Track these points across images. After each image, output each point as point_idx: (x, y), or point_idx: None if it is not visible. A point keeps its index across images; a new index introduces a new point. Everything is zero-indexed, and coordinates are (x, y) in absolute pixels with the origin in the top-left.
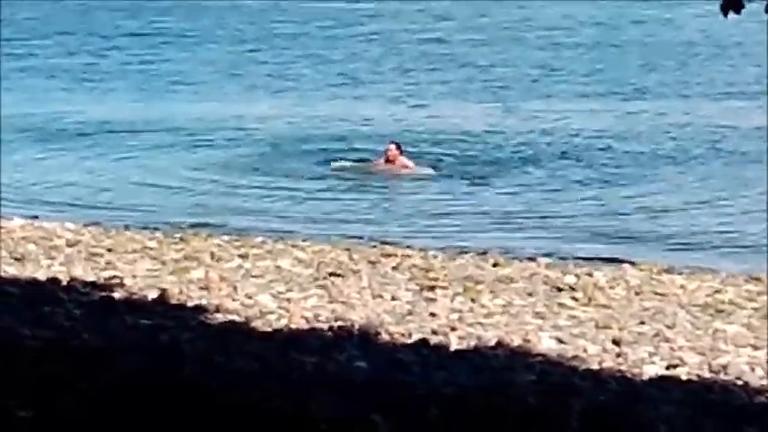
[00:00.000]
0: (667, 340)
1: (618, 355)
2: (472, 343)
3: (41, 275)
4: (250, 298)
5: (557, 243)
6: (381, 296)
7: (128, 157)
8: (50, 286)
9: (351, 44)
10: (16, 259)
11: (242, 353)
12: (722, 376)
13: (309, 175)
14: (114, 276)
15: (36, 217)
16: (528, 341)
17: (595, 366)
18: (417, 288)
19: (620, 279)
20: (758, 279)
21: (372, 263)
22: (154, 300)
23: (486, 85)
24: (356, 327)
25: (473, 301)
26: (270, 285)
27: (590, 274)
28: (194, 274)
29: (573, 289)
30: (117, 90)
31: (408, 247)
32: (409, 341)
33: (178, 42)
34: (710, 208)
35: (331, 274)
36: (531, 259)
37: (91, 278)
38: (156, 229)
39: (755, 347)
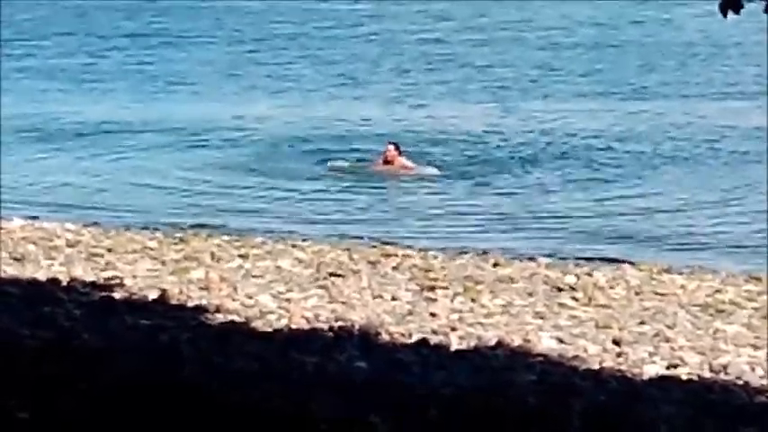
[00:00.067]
0: (668, 340)
1: (618, 355)
2: (472, 343)
3: (41, 276)
4: (250, 298)
5: (557, 243)
6: (381, 296)
7: (126, 157)
8: (50, 286)
9: (350, 44)
10: (16, 259)
11: (242, 353)
12: (722, 376)
13: (309, 175)
14: (114, 276)
15: (36, 217)
16: (528, 341)
17: (596, 366)
18: (417, 288)
19: (621, 279)
20: (758, 279)
21: (372, 263)
22: (154, 300)
23: (485, 85)
24: (356, 327)
25: (473, 301)
26: (270, 285)
27: (590, 274)
28: (194, 275)
29: (573, 289)
30: (116, 90)
31: (408, 247)
32: (409, 341)
33: (177, 43)
34: (710, 208)
35: (331, 275)
36: (532, 259)
37: (91, 278)
38: (156, 229)
39: (756, 347)
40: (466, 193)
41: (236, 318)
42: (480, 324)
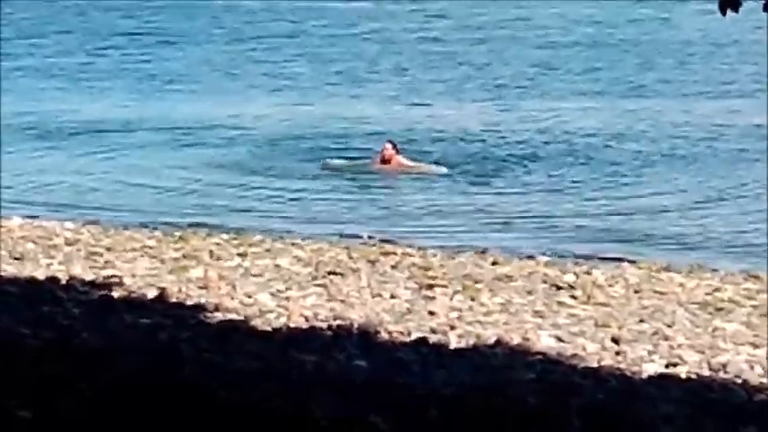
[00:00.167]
0: (666, 338)
1: (617, 354)
2: (471, 341)
3: (40, 274)
4: (249, 297)
5: (555, 241)
6: (380, 295)
7: (125, 155)
8: (49, 285)
9: (348, 43)
10: (15, 258)
11: (241, 352)
12: (721, 374)
13: (307, 173)
14: (113, 275)
15: (35, 216)
16: (527, 339)
17: (595, 365)
18: (416, 286)
19: (620, 277)
20: (757, 277)
21: (371, 261)
22: (153, 299)
23: (483, 83)
24: (355, 325)
25: (472, 299)
26: (269, 284)
27: (589, 273)
28: (193, 273)
29: (572, 287)
30: (114, 89)
31: (408, 245)
32: (408, 340)
33: (175, 41)
34: (709, 206)
35: (330, 273)
36: (531, 257)
37: (90, 277)
38: (155, 228)
39: (755, 345)
40: (464, 191)
41: (235, 316)
42: (479, 322)
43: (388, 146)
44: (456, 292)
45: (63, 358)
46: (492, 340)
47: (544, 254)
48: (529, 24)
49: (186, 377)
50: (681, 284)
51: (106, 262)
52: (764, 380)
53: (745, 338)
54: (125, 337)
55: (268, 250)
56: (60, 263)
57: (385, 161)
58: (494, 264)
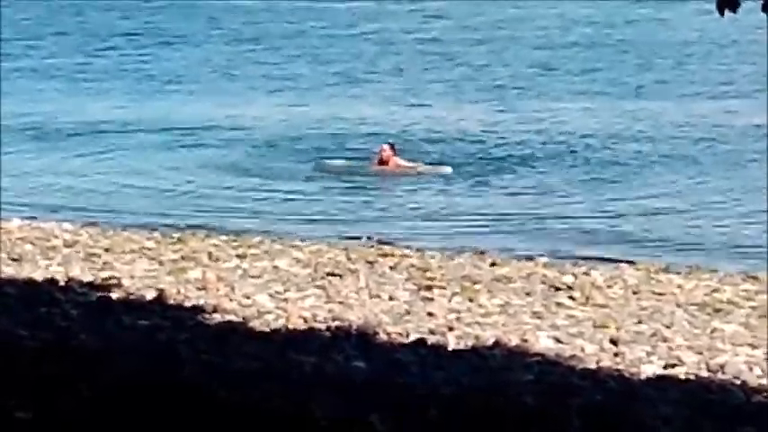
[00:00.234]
0: (665, 339)
1: (616, 355)
2: (470, 343)
3: (39, 276)
4: (248, 298)
5: (554, 242)
6: (379, 296)
7: (123, 157)
8: (48, 286)
9: (347, 44)
10: (14, 259)
11: (240, 353)
12: (720, 375)
13: (306, 174)
14: (112, 277)
15: (34, 217)
16: (526, 341)
17: (593, 366)
18: (415, 288)
19: (618, 278)
20: (756, 278)
21: (370, 263)
22: (151, 300)
23: (482, 84)
24: (354, 327)
25: (471, 300)
26: (267, 285)
27: (587, 274)
28: (192, 275)
29: (571, 288)
30: (112, 90)
31: (406, 246)
32: (407, 341)
33: (173, 42)
34: (708, 207)
35: (329, 274)
36: (529, 259)
37: (88, 278)
38: (154, 229)
39: (753, 346)
40: (463, 192)
41: (233, 318)
42: (478, 324)
43: (386, 147)
44: (454, 294)
45: (62, 359)
46: (490, 341)
47: (543, 255)
48: (527, 25)
49: (185, 378)
50: (679, 285)
51: (105, 263)
52: (763, 381)
53: (744, 339)
54: (123, 338)
55: (267, 252)
56: (59, 264)
57: (382, 162)
58: (492, 265)
